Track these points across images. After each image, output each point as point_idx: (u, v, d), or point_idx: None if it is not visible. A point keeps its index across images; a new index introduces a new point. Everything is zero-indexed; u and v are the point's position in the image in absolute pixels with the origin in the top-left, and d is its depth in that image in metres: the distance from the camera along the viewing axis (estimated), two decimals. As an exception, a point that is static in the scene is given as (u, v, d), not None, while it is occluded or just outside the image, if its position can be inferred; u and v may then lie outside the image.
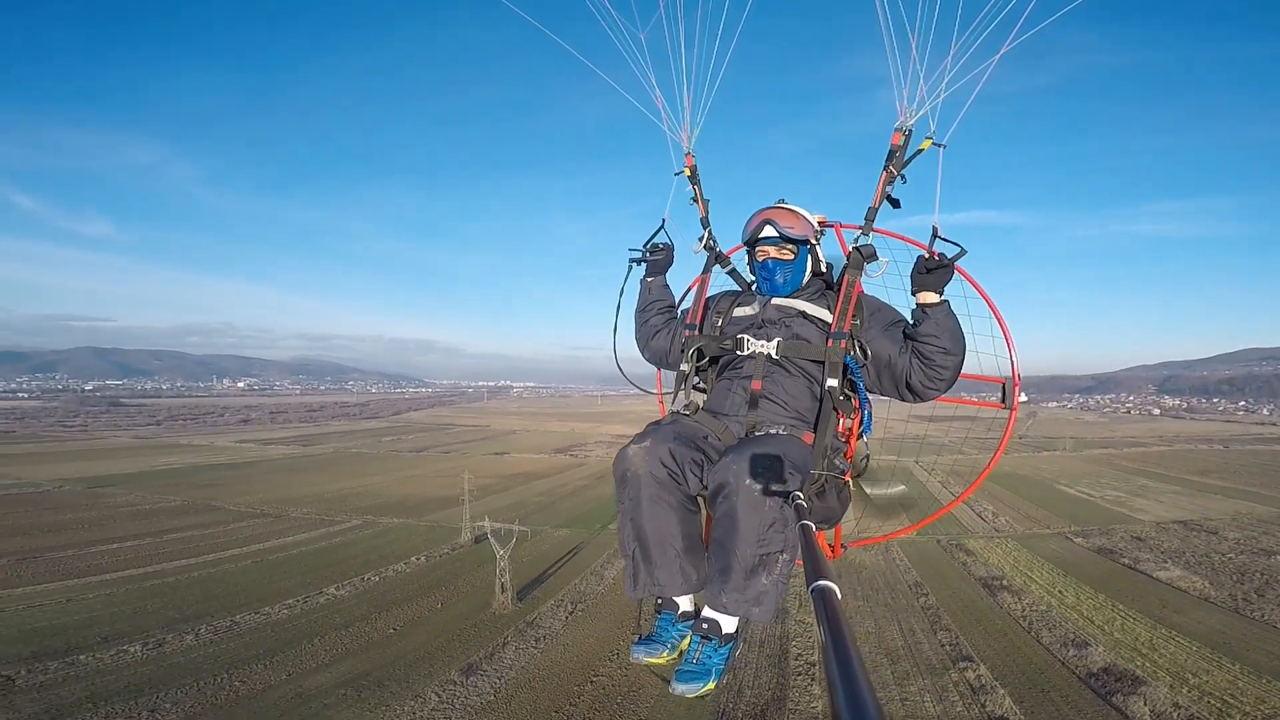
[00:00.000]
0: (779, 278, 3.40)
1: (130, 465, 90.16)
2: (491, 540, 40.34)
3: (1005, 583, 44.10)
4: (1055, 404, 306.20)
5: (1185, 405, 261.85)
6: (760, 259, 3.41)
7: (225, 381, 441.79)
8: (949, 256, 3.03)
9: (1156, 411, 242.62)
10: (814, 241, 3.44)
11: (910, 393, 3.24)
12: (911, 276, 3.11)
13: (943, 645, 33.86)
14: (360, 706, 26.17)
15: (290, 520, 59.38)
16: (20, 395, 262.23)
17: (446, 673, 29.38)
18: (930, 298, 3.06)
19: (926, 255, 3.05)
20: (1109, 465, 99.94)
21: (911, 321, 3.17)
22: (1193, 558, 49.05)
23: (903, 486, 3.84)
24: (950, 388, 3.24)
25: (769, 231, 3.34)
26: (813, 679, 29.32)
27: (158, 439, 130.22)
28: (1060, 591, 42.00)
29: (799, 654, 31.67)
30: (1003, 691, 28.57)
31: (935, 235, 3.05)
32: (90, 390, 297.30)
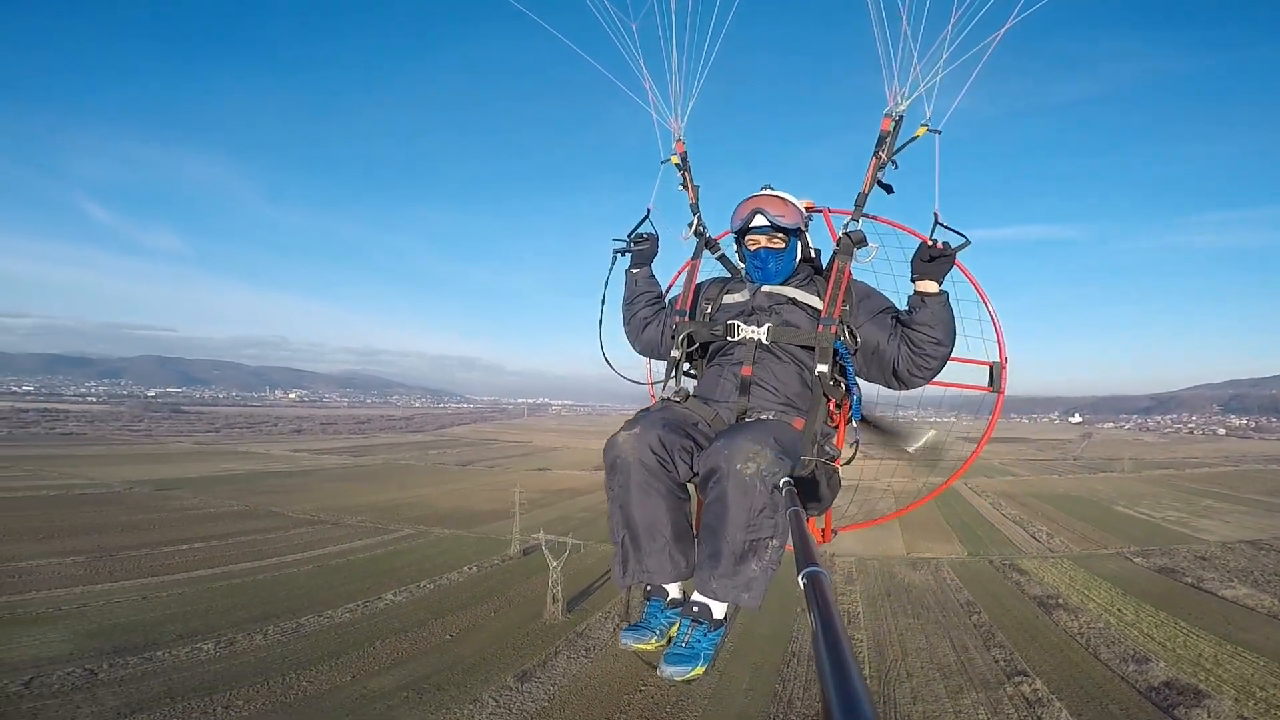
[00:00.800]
0: (771, 266, 3.39)
1: (194, 470, 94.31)
2: (545, 552, 41.17)
3: (1061, 601, 43.13)
4: (1112, 425, 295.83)
5: (1253, 424, 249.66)
6: (751, 248, 3.40)
7: (277, 392, 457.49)
8: (953, 246, 3.03)
9: (1221, 431, 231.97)
10: (803, 228, 3.43)
11: (896, 379, 3.26)
12: (912, 263, 3.10)
13: (996, 661, 33.42)
14: (421, 709, 27.09)
15: (347, 528, 61.43)
16: (89, 399, 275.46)
17: (502, 679, 30.19)
18: (930, 286, 3.05)
19: (930, 243, 3.04)
20: (1170, 486, 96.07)
21: (907, 308, 3.17)
22: (1261, 576, 47.22)
23: (932, 431, 3.73)
24: (935, 376, 3.25)
25: (760, 221, 3.32)
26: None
27: (217, 445, 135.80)
28: (1119, 610, 40.86)
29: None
30: (1059, 704, 28.20)
31: (936, 223, 3.06)
32: (153, 397, 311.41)
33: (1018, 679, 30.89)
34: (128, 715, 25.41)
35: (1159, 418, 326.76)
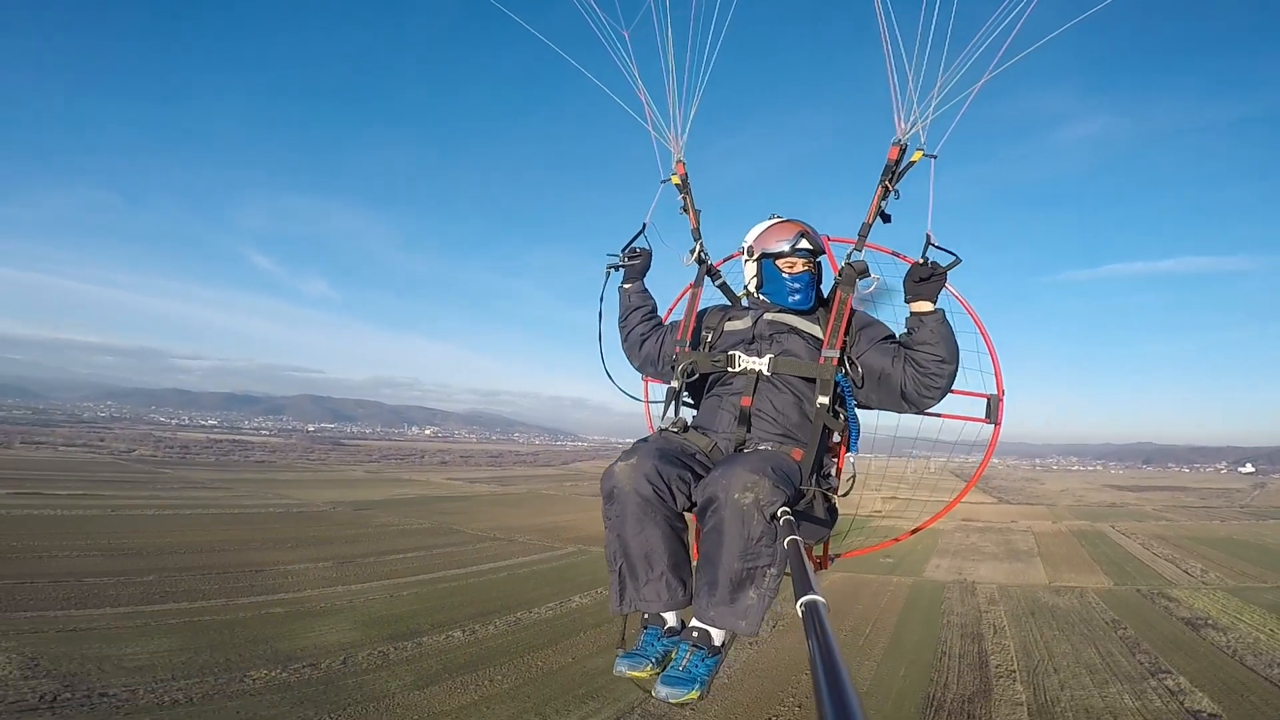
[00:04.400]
0: (809, 291, 3.48)
1: (375, 494, 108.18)
2: (702, 565, 47.69)
3: (1210, 621, 44.35)
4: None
5: None
6: (791, 270, 3.45)
7: (414, 429, 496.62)
8: (943, 265, 3.12)
9: None
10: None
11: (906, 402, 3.32)
12: (905, 284, 3.21)
13: (1141, 663, 36.20)
14: (628, 683, 34.01)
15: (519, 544, 70.22)
16: (263, 432, 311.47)
17: None
18: (924, 306, 3.14)
19: (920, 263, 3.15)
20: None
21: (906, 330, 3.28)
22: None
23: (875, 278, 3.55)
24: (945, 395, 3.30)
25: (805, 244, 3.42)
26: (1013, 680, 33.72)
27: (382, 473, 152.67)
28: (1271, 630, 41.80)
29: (999, 664, 36.15)
30: (1201, 694, 31.07)
31: (929, 243, 3.18)
32: (312, 431, 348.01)
33: (1161, 675, 33.81)
34: (423, 687, 31.22)
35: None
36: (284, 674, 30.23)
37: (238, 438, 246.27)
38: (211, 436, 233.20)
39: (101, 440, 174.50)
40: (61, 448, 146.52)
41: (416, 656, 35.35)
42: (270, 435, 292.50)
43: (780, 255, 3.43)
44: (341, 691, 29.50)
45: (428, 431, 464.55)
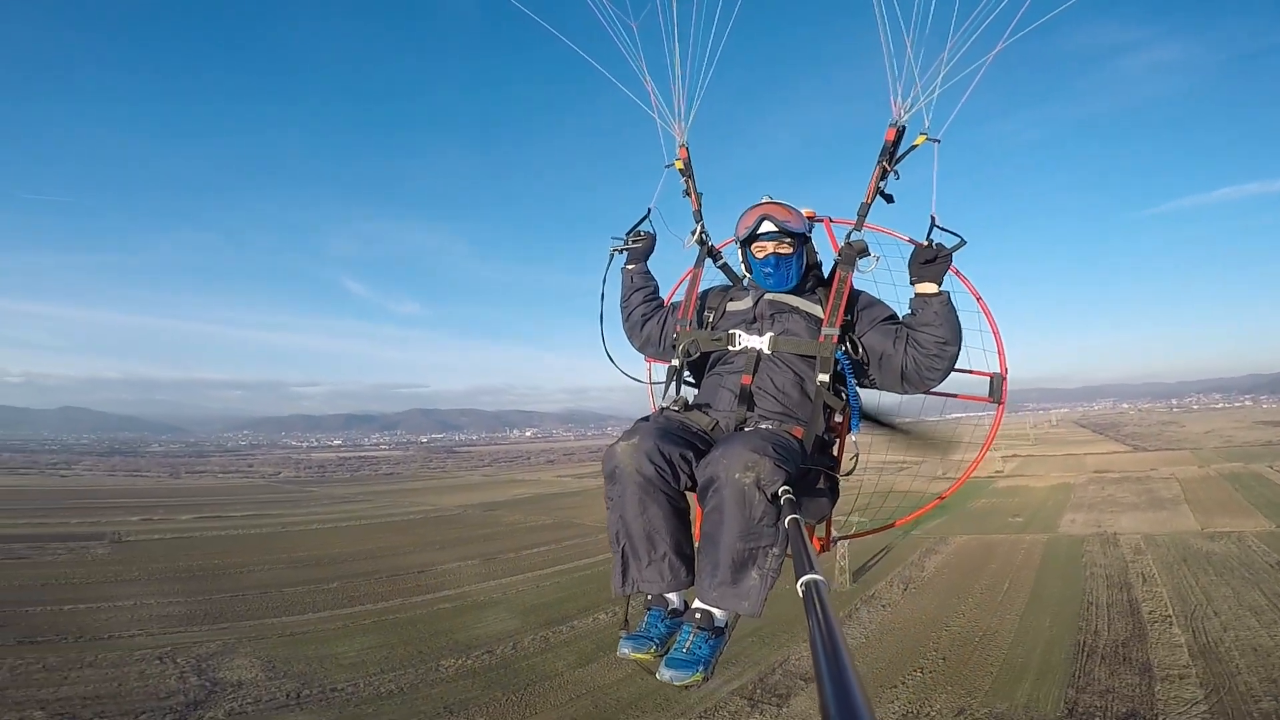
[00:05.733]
0: (782, 272, 3.43)
1: (496, 495, 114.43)
2: (834, 531, 49.03)
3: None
4: None
5: None
6: (759, 255, 3.43)
7: (515, 432, 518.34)
8: (948, 247, 3.14)
9: None
10: (808, 234, 3.51)
11: (907, 384, 3.32)
12: (910, 266, 3.21)
13: None
14: (771, 645, 35.91)
15: (639, 531, 73.89)
16: (382, 447, 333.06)
17: None
18: (929, 288, 3.14)
19: (925, 245, 3.16)
20: None
21: (910, 311, 3.26)
22: None
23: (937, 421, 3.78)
24: (946, 376, 3.30)
25: (768, 227, 3.36)
26: (1169, 625, 33.55)
27: (497, 476, 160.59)
28: None
29: (1151, 610, 35.93)
30: None
31: (933, 225, 3.19)
32: (426, 442, 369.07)
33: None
34: (584, 665, 33.84)
35: None
36: (469, 661, 34.30)
37: (363, 454, 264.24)
38: (340, 455, 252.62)
39: (250, 466, 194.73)
40: (219, 474, 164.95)
41: (573, 639, 38.43)
42: (389, 449, 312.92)
43: (748, 241, 3.47)
44: (518, 673, 33.06)
45: (528, 433, 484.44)
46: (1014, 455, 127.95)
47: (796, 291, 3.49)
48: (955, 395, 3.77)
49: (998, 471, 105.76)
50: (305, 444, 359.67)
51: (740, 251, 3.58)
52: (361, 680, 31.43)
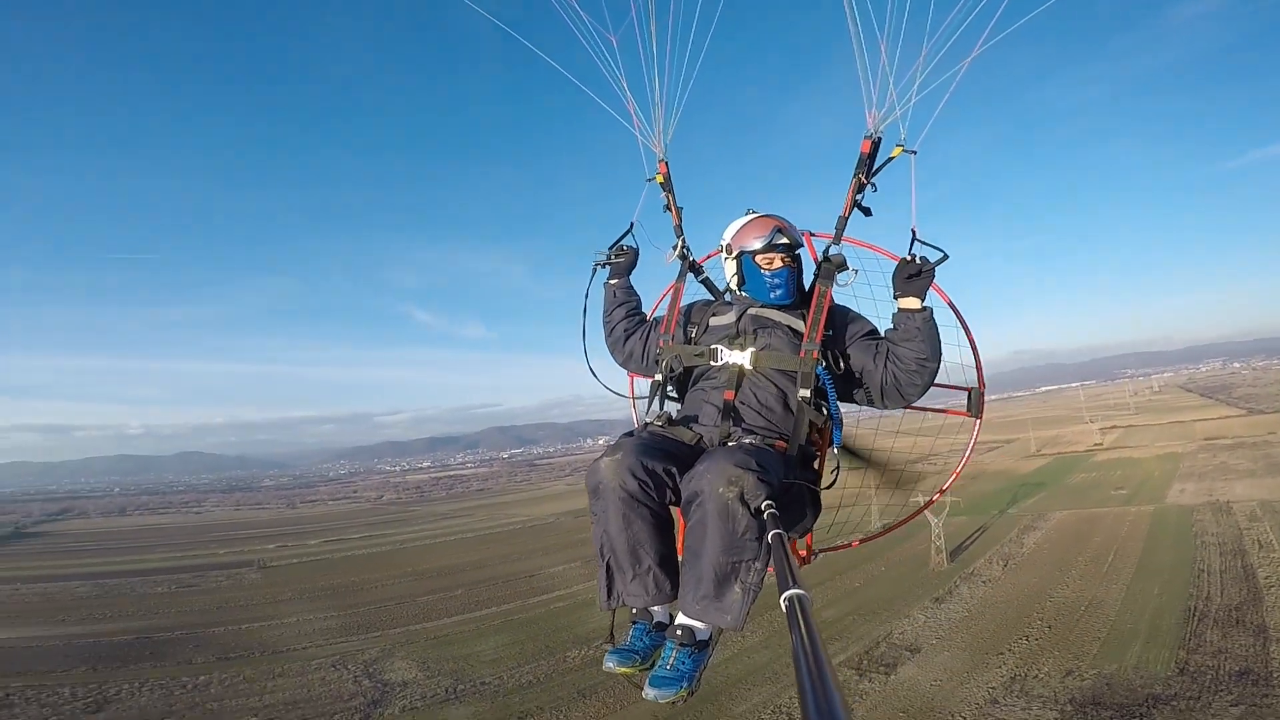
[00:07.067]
0: (789, 286, 3.42)
1: (582, 503, 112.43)
2: (926, 512, 49.85)
3: None
4: None
5: None
6: (770, 267, 3.41)
7: (589, 441, 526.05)
8: (931, 261, 3.11)
9: None
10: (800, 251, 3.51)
11: (885, 399, 3.31)
12: (894, 281, 3.18)
13: None
14: (874, 621, 37.52)
15: (729, 526, 75.97)
16: (468, 466, 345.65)
17: (920, 604, 39.01)
18: (913, 304, 3.13)
19: (909, 260, 3.13)
20: None
21: (891, 326, 3.24)
22: None
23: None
24: (925, 392, 3.30)
25: (782, 239, 3.37)
26: None
27: (580, 484, 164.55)
28: None
29: (1268, 575, 35.66)
30: None
31: (914, 239, 3.17)
32: (507, 458, 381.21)
33: None
34: None
35: None
36: (591, 651, 37.35)
37: (452, 474, 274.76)
38: (432, 476, 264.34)
39: (355, 492, 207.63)
40: (329, 502, 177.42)
41: (674, 627, 42.05)
42: (475, 467, 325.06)
43: (758, 252, 3.42)
44: (637, 659, 36.61)
45: (601, 441, 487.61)
46: (1113, 426, 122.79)
47: (779, 306, 3.46)
48: (934, 410, 3.79)
49: (1096, 444, 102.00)
50: (398, 468, 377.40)
51: (735, 263, 3.52)
52: (504, 674, 35.09)
